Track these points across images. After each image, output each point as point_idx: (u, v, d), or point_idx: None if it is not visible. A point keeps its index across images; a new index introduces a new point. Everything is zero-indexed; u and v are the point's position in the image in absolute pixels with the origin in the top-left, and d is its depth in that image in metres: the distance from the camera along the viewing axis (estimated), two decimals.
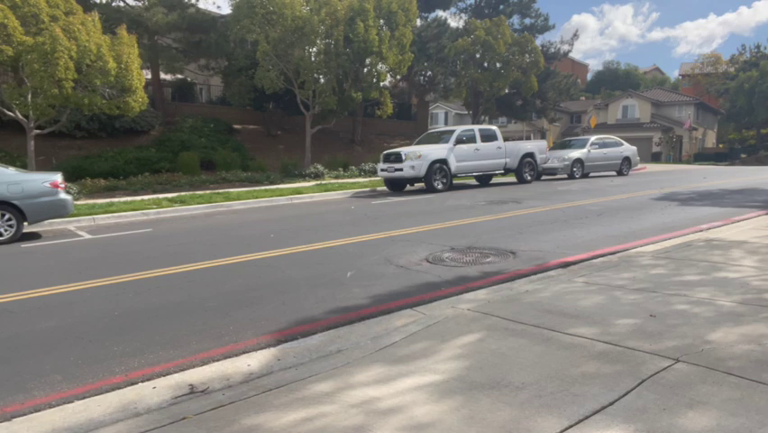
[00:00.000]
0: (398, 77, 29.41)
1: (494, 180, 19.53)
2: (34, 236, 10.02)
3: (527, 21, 35.32)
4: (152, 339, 4.20)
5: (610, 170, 21.44)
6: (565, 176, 20.35)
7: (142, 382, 3.39)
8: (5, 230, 9.26)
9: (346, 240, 8.19)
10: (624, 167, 21.64)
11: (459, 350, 3.45)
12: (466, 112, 36.82)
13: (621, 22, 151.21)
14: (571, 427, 2.44)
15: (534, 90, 30.45)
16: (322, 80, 22.41)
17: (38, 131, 15.81)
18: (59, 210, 9.99)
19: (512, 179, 19.29)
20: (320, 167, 22.35)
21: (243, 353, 3.79)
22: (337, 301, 5.00)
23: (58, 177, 9.91)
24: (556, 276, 5.36)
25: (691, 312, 3.95)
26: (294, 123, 29.13)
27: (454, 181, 17.46)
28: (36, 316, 4.95)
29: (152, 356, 3.86)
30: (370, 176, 22.63)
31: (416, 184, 17.33)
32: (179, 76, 28.93)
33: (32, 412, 3.05)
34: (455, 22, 37.07)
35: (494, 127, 19.04)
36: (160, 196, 15.69)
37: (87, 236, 9.96)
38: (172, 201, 14.12)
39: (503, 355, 3.32)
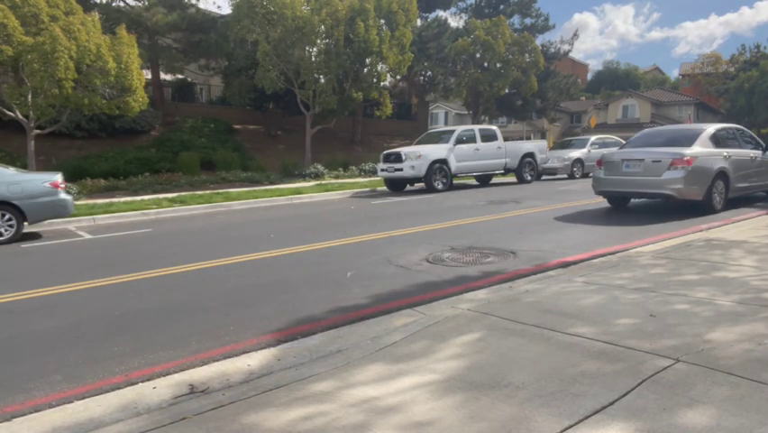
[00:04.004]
0: (398, 77, 29.48)
1: (494, 180, 19.52)
2: (34, 236, 10.02)
3: (528, 21, 35.39)
4: (152, 339, 4.20)
5: None
6: (565, 176, 20.34)
7: (142, 382, 3.38)
8: (6, 230, 9.25)
9: (346, 240, 8.19)
10: None
11: (459, 350, 3.45)
12: (466, 112, 36.79)
13: (622, 21, 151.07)
14: (571, 426, 2.44)
15: (534, 90, 30.46)
16: (322, 80, 22.42)
17: (38, 131, 15.81)
18: (59, 210, 9.99)
19: (512, 179, 19.28)
20: (320, 167, 22.34)
21: (243, 353, 3.79)
22: (337, 301, 5.00)
23: (58, 177, 9.91)
24: (556, 276, 5.35)
25: (691, 312, 3.95)
26: (294, 123, 29.12)
27: (454, 181, 17.44)
28: (36, 316, 4.95)
29: (152, 356, 3.87)
30: (370, 176, 22.62)
31: (416, 184, 17.32)
32: (179, 76, 28.94)
33: (31, 412, 3.05)
34: (455, 22, 37.14)
35: (494, 127, 19.04)
36: (160, 196, 15.68)
37: (87, 236, 9.96)
38: (172, 201, 14.12)
39: (503, 355, 3.32)
